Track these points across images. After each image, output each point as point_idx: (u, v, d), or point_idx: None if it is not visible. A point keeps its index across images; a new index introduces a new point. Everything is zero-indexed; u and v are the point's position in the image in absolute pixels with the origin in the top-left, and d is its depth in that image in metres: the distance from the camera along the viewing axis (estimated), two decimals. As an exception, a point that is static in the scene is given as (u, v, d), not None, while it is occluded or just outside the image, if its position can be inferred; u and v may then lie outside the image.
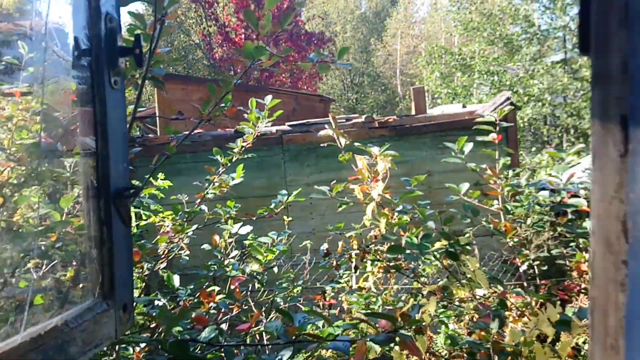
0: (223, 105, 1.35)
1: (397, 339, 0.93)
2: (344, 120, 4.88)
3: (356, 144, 2.01)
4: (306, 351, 2.42)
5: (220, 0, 19.20)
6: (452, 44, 21.85)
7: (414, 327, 1.65)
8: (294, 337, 0.95)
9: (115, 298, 0.69)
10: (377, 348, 1.44)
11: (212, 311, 1.96)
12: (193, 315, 1.34)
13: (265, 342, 2.09)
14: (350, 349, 0.90)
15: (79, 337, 0.61)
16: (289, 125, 4.73)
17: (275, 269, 2.75)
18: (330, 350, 2.36)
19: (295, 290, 2.63)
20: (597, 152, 0.47)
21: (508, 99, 4.65)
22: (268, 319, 1.99)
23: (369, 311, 1.58)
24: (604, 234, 0.46)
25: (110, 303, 0.68)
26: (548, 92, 12.13)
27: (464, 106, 5.72)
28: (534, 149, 12.57)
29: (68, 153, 1.44)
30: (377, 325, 0.95)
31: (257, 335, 2.41)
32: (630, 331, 0.45)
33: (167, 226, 1.87)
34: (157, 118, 9.57)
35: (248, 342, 2.15)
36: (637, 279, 0.44)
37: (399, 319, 0.95)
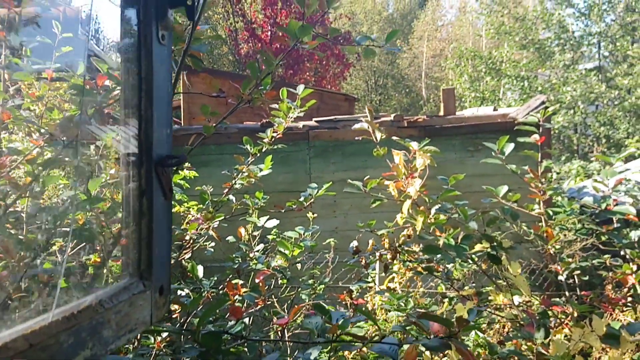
0: (262, 87, 1.29)
1: (454, 346, 0.85)
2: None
3: (394, 138, 1.93)
4: (328, 351, 2.35)
5: (312, 4, 19.27)
6: (480, 48, 21.52)
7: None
8: (334, 337, 0.88)
9: (152, 279, 0.62)
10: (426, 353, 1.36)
11: (237, 304, 1.91)
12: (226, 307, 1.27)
13: (286, 338, 2.03)
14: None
15: (113, 320, 0.55)
16: (316, 121, 4.67)
17: (298, 266, 2.69)
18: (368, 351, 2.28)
19: (319, 288, 2.56)
20: None
21: (543, 102, 4.50)
22: (295, 316, 1.92)
23: (421, 312, 1.50)
24: None
25: (147, 284, 0.62)
26: (581, 100, 11.82)
27: (495, 109, 5.57)
28: (563, 157, 12.26)
29: (101, 132, 1.40)
30: (429, 329, 0.87)
31: (278, 332, 2.35)
32: None
33: (197, 214, 1.81)
34: (182, 111, 9.63)
35: (271, 338, 2.09)
36: None
37: (456, 323, 0.86)
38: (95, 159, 1.83)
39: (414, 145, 1.79)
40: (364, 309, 2.61)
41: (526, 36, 13.77)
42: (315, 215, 3.20)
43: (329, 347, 2.25)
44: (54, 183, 1.85)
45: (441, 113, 5.36)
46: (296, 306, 1.30)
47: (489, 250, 1.51)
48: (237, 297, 1.80)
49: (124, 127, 0.64)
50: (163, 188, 0.63)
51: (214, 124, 1.31)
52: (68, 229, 1.58)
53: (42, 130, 1.88)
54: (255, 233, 2.50)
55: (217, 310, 1.54)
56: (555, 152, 12.81)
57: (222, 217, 1.96)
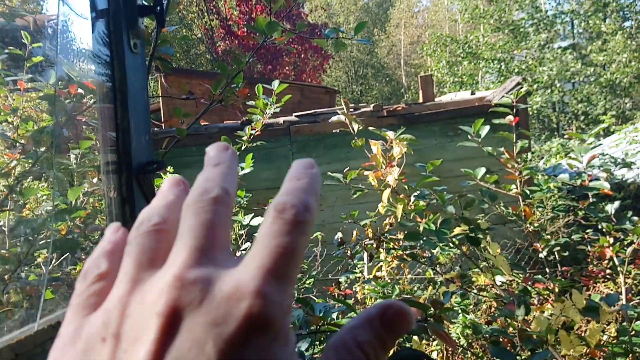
0: (234, 86, 1.29)
1: (430, 328, 0.87)
2: (352, 110, 4.81)
3: (370, 128, 1.95)
4: (321, 342, 2.37)
5: (278, 0, 19.10)
6: (456, 32, 21.62)
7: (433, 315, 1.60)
8: (317, 327, 0.90)
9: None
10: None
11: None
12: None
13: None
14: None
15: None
16: (296, 116, 4.67)
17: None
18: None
19: (307, 282, 2.58)
20: None
21: (518, 83, 4.56)
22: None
23: (399, 299, 1.52)
24: None
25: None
26: (557, 79, 11.97)
27: (472, 93, 5.63)
28: (542, 136, 12.43)
29: (74, 141, 1.39)
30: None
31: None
32: None
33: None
34: (162, 113, 9.54)
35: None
36: None
37: (431, 307, 0.89)
38: (74, 168, 1.82)
39: (390, 134, 1.81)
40: (353, 299, 2.64)
41: (500, 18, 13.88)
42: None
43: (322, 340, 2.27)
44: (33, 195, 1.84)
45: (420, 100, 5.40)
46: None
47: (468, 232, 1.54)
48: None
49: (102, 137, 0.64)
50: (145, 194, 0.64)
51: (187, 126, 1.31)
52: (49, 240, 1.58)
53: (19, 143, 1.86)
54: (244, 232, 2.51)
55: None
56: (534, 132, 12.99)
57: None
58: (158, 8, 0.67)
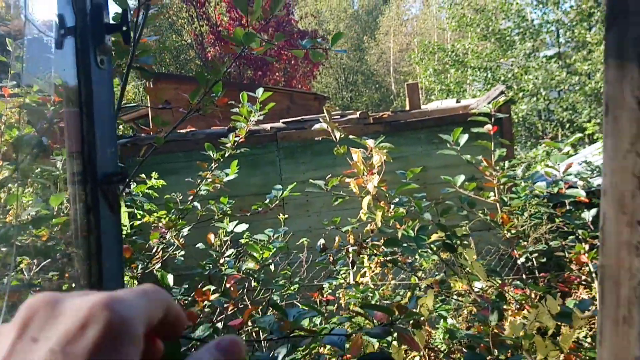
0: (213, 95, 1.32)
1: (395, 332, 0.90)
2: (339, 117, 4.85)
3: (351, 136, 1.98)
4: (304, 348, 2.39)
5: (255, 12, 19.14)
6: (444, 41, 21.86)
7: (411, 320, 1.63)
8: (288, 333, 0.92)
9: (104, 291, 0.65)
10: (376, 342, 1.41)
11: (206, 309, 1.93)
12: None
13: (261, 339, 2.06)
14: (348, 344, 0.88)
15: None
16: (283, 122, 4.70)
17: (272, 267, 2.72)
18: (329, 347, 2.33)
19: (292, 288, 2.59)
20: (612, 101, 0.43)
21: (502, 92, 4.63)
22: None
23: (365, 304, 1.55)
24: (616, 192, 0.42)
25: (96, 296, 0.65)
26: (543, 87, 12.15)
27: (457, 101, 5.70)
28: (528, 143, 12.59)
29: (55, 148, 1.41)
30: (373, 318, 0.92)
31: (253, 333, 2.38)
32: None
33: (162, 223, 1.83)
34: (150, 119, 9.51)
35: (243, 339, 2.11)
36: None
37: (396, 311, 0.91)
38: (58, 175, 1.82)
39: (370, 142, 1.84)
40: (336, 304, 2.66)
41: (487, 27, 14.08)
42: (287, 216, 3.24)
43: (305, 347, 2.28)
44: (13, 202, 1.84)
45: (407, 107, 5.45)
46: (250, 307, 1.33)
47: (444, 239, 1.57)
48: (206, 302, 1.82)
49: (68, 149, 0.66)
50: (110, 204, 0.66)
51: (163, 135, 1.33)
52: (25, 246, 1.58)
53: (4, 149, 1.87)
54: (228, 238, 2.52)
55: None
56: (520, 139, 13.15)
57: (185, 224, 1.98)
58: (125, 27, 0.70)
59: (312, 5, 29.75)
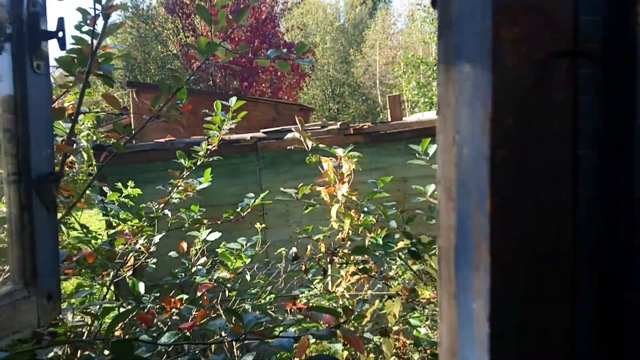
0: (178, 102, 1.33)
1: (340, 334, 0.91)
2: (320, 127, 4.88)
3: (321, 145, 2.00)
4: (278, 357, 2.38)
5: (220, 22, 19.21)
6: (429, 54, 22.17)
7: (379, 329, 1.63)
8: (240, 336, 0.92)
9: (37, 286, 0.66)
10: (340, 348, 1.42)
11: (175, 317, 1.91)
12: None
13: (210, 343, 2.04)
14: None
15: (-5, 322, 0.58)
16: (264, 132, 4.72)
17: (248, 277, 2.71)
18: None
19: (267, 298, 2.58)
20: (441, 102, 0.47)
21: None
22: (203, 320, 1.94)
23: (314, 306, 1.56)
24: (446, 182, 0.45)
25: (31, 290, 0.66)
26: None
27: (437, 113, 5.77)
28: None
29: None
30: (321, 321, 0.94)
31: (224, 344, 2.37)
32: (459, 277, 0.44)
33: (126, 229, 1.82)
34: (132, 127, 9.42)
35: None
36: (463, 223, 0.43)
37: (342, 313, 0.93)
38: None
39: (339, 152, 1.86)
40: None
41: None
42: (263, 225, 3.24)
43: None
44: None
45: (389, 119, 5.51)
46: (202, 310, 1.33)
47: (409, 247, 1.59)
48: (174, 310, 1.81)
49: (3, 150, 0.67)
50: (45, 202, 0.67)
51: (124, 143, 1.34)
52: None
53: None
54: (202, 247, 2.51)
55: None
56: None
57: (150, 231, 1.97)
58: (60, 33, 0.71)
59: (299, 18, 30.01)
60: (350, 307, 0.95)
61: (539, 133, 0.41)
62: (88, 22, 1.02)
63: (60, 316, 1.22)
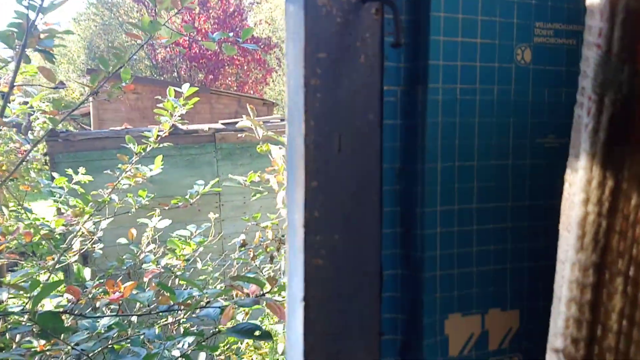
0: (120, 82, 1.33)
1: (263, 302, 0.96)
2: (279, 120, 4.91)
3: (270, 133, 2.03)
4: (225, 344, 2.40)
5: (164, 1, 18.79)
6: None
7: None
8: (170, 307, 0.96)
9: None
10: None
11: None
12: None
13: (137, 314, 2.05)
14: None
15: None
16: (222, 123, 4.71)
17: (199, 265, 2.72)
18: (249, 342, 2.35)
19: (217, 286, 2.60)
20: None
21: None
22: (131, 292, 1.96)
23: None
24: (288, 111, 0.52)
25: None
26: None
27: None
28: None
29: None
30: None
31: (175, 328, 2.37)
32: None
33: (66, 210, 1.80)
34: (91, 117, 9.21)
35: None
36: (291, 145, 0.50)
37: (267, 283, 0.97)
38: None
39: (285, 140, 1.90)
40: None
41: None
42: (217, 215, 3.25)
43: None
44: None
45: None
46: (132, 282, 1.36)
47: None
48: (116, 293, 1.80)
49: None
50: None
51: (62, 118, 1.33)
52: None
53: None
54: (155, 235, 2.50)
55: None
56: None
57: (91, 212, 1.96)
58: None
59: (267, 12, 29.79)
60: (275, 278, 0.99)
61: (349, 66, 0.47)
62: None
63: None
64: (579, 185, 0.36)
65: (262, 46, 18.88)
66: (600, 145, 0.34)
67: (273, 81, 25.26)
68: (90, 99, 1.63)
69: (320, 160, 0.47)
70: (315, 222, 0.47)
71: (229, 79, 18.93)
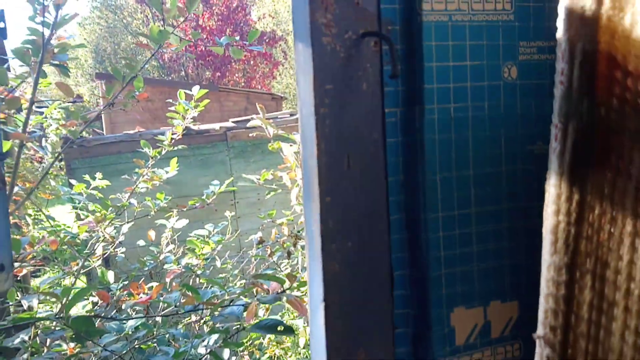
0: (133, 90, 1.37)
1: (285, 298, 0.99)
2: (289, 115, 4.93)
3: (280, 132, 2.06)
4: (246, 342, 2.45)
5: (168, 1, 18.83)
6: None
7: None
8: (194, 306, 0.99)
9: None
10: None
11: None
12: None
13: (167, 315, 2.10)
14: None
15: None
16: (233, 122, 4.74)
17: (219, 264, 2.77)
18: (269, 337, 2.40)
19: (237, 283, 2.64)
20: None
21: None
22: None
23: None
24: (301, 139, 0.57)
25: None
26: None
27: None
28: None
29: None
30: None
31: (195, 326, 2.42)
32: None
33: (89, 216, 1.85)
34: (103, 120, 9.31)
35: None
36: (305, 165, 0.54)
37: (287, 280, 1.00)
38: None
39: (297, 137, 1.93)
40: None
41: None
42: (233, 213, 3.29)
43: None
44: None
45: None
46: (158, 284, 1.40)
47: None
48: (142, 295, 1.86)
49: None
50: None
51: (80, 130, 1.37)
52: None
53: None
54: (174, 236, 2.55)
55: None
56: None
57: (113, 218, 2.01)
58: (1, 24, 0.76)
59: (271, 5, 29.69)
60: (294, 274, 1.03)
61: (353, 94, 0.52)
62: (38, 12, 1.05)
63: (27, 304, 1.26)
64: (550, 199, 0.42)
65: (267, 40, 18.84)
66: (566, 166, 0.41)
67: (280, 74, 25.22)
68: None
69: (332, 178, 0.52)
70: (330, 232, 0.52)
71: (236, 75, 18.95)
